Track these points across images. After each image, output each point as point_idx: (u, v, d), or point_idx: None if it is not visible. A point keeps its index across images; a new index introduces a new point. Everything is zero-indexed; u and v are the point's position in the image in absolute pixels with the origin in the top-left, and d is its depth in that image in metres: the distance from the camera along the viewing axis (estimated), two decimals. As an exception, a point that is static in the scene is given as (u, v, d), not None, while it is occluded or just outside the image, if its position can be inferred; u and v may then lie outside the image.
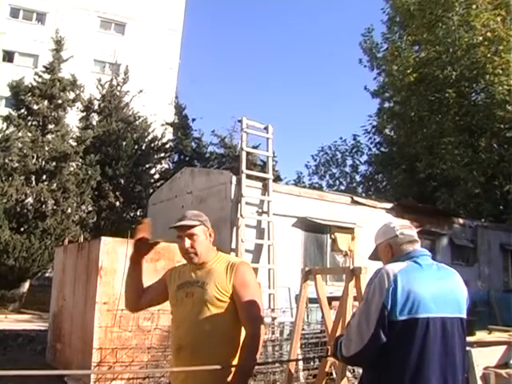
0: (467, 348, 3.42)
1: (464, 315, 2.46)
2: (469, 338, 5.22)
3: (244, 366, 2.63)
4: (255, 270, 8.68)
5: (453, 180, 17.28)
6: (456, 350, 2.35)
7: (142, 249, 3.04)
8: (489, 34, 16.74)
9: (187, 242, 2.82)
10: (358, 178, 23.99)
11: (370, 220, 10.66)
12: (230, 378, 2.64)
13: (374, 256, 2.79)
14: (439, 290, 2.38)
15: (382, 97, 21.90)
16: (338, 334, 4.03)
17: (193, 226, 2.83)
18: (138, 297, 3.04)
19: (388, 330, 2.25)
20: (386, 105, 21.92)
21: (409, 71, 18.60)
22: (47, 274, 19.92)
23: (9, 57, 33.82)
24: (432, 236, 12.74)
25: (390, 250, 2.62)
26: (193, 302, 2.73)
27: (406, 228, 2.67)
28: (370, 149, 23.33)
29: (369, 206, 11.46)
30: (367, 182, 23.44)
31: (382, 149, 22.64)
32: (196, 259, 2.82)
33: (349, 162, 24.12)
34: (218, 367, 2.60)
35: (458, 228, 13.55)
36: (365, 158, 23.70)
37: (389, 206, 11.96)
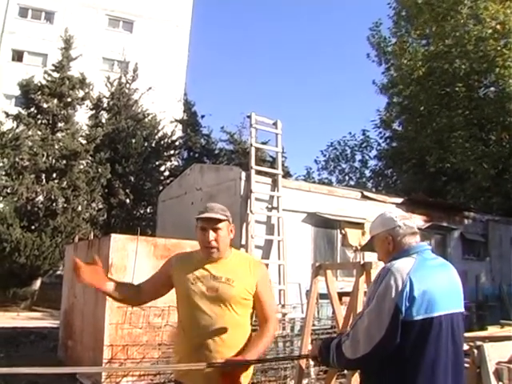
0: (479, 343, 3.40)
1: (463, 309, 2.42)
2: (480, 333, 5.20)
3: (252, 355, 2.63)
4: (265, 266, 8.68)
5: (463, 174, 17.19)
6: (460, 346, 2.33)
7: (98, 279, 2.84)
8: (498, 27, 16.59)
9: (211, 235, 2.75)
10: (367, 173, 23.97)
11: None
12: (250, 372, 2.70)
13: (369, 247, 2.66)
14: (447, 285, 2.33)
15: (390, 91, 21.79)
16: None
17: (220, 220, 2.78)
18: (132, 296, 2.97)
19: (404, 331, 2.17)
20: (395, 99, 21.81)
21: (418, 65, 18.49)
22: (58, 272, 20.03)
23: (18, 56, 33.97)
24: (443, 230, 12.69)
25: (391, 242, 2.46)
26: (216, 296, 2.70)
27: (406, 219, 2.52)
28: (379, 144, 23.28)
29: (379, 200, 11.42)
30: (377, 176, 23.38)
31: (392, 143, 22.55)
32: (216, 254, 2.78)
33: (358, 157, 24.11)
34: (220, 361, 2.60)
35: (469, 222, 13.48)
36: (374, 152, 23.66)
37: (399, 200, 11.91)
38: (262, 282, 2.79)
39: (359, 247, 10.49)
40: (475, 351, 3.22)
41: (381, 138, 22.87)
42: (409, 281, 2.18)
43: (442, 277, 2.34)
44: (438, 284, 2.26)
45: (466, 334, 5.04)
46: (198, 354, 2.66)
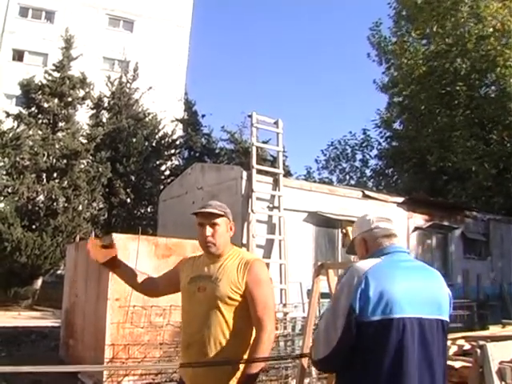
0: (481, 342, 3.38)
1: (445, 317, 2.24)
2: (482, 332, 5.19)
3: (255, 362, 2.62)
4: (266, 265, 8.67)
5: (464, 173, 17.17)
6: (435, 355, 2.15)
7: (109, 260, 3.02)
8: (499, 25, 16.58)
9: (208, 231, 2.76)
10: (368, 172, 23.93)
11: (381, 214, 10.62)
12: (238, 375, 2.64)
13: (351, 250, 2.61)
14: (415, 289, 2.17)
15: (391, 91, 21.79)
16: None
17: (217, 216, 2.79)
18: (149, 285, 3.06)
19: (359, 331, 2.06)
20: (396, 99, 21.80)
21: (418, 64, 18.48)
22: (59, 271, 20.06)
23: (18, 56, 33.99)
24: (444, 230, 12.68)
25: (364, 244, 2.43)
26: (204, 297, 2.71)
27: (382, 221, 2.47)
28: (380, 143, 23.24)
29: (380, 200, 11.41)
30: (377, 176, 23.35)
31: (393, 143, 22.54)
32: (214, 249, 2.78)
33: (359, 156, 24.07)
34: (227, 363, 2.61)
35: (470, 221, 13.47)
36: (375, 152, 23.61)
37: (400, 200, 11.90)
38: (252, 280, 2.71)
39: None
40: (478, 351, 3.21)
41: (381, 137, 22.87)
42: (364, 280, 2.10)
43: (412, 280, 2.20)
44: (403, 286, 2.13)
45: (469, 334, 5.04)
46: (188, 352, 2.74)
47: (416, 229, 12.03)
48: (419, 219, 12.14)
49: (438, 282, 2.33)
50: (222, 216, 2.80)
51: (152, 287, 3.06)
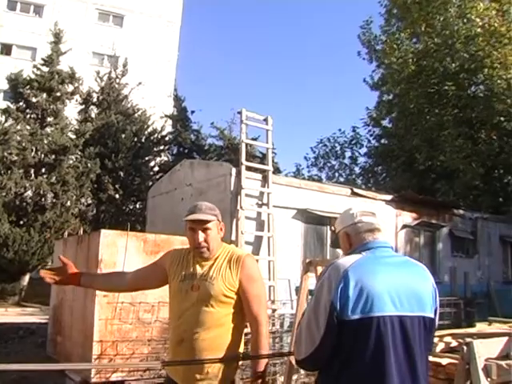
0: (468, 339, 3.41)
1: (428, 313, 2.19)
2: (469, 330, 5.23)
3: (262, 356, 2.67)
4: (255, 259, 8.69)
5: (452, 172, 17.29)
6: (417, 353, 2.10)
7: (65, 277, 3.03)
8: (486, 26, 16.67)
9: (201, 236, 2.74)
10: (357, 170, 24.03)
11: (365, 208, 10.65)
12: (232, 371, 2.69)
13: (336, 244, 2.57)
14: (397, 285, 2.12)
15: (381, 89, 21.88)
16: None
17: (209, 221, 2.77)
18: (117, 284, 3.08)
19: (340, 330, 2.03)
20: (385, 97, 21.89)
21: (407, 63, 18.56)
22: (47, 267, 19.94)
23: (6, 50, 33.71)
24: (432, 228, 12.77)
25: (347, 239, 2.37)
26: (198, 295, 2.71)
27: (366, 215, 2.42)
28: (369, 141, 23.36)
29: (369, 197, 11.47)
30: (366, 174, 23.45)
31: (382, 141, 22.64)
32: (207, 254, 2.77)
33: (348, 154, 24.16)
34: (225, 360, 2.66)
35: (458, 220, 13.58)
36: (364, 150, 23.73)
37: (388, 197, 11.96)
38: (246, 277, 2.73)
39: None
40: (464, 348, 3.23)
41: (371, 135, 22.97)
42: (344, 277, 2.06)
43: (395, 276, 2.15)
44: (385, 283, 2.09)
45: (456, 331, 5.08)
46: (179, 349, 2.73)
47: (404, 226, 12.11)
48: (407, 217, 12.21)
49: (423, 277, 2.28)
50: (213, 220, 2.79)
51: (126, 281, 3.02)
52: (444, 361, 3.96)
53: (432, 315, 2.22)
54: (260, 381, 2.65)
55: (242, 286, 2.72)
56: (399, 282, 2.14)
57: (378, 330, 2.03)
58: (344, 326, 2.03)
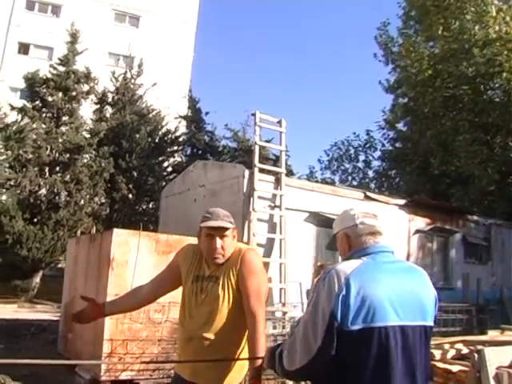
0: (479, 347, 3.38)
1: (429, 322, 2.13)
2: (481, 337, 5.18)
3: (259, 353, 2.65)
4: (266, 264, 8.67)
5: (467, 177, 17.15)
6: (418, 364, 2.03)
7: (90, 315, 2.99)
8: (502, 32, 16.51)
9: (218, 243, 2.77)
10: (370, 173, 23.93)
11: (382, 216, 10.59)
12: (237, 370, 2.72)
13: (332, 246, 2.46)
14: (399, 293, 2.03)
15: (396, 92, 21.77)
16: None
17: (228, 229, 2.80)
18: (132, 303, 3.12)
19: (340, 340, 1.93)
20: (401, 100, 21.78)
21: (424, 67, 18.45)
22: (60, 265, 20.10)
23: (24, 49, 34.01)
24: (445, 233, 12.67)
25: (347, 241, 2.25)
26: (207, 297, 2.75)
27: (368, 217, 2.29)
28: (383, 144, 23.25)
29: (381, 201, 11.40)
30: (380, 177, 23.35)
31: (396, 145, 22.53)
32: (221, 260, 2.80)
33: (362, 157, 24.06)
34: (229, 359, 2.68)
35: (472, 226, 13.46)
36: (378, 153, 23.61)
37: (402, 202, 11.89)
38: (245, 270, 2.75)
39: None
40: (475, 355, 3.21)
41: (385, 138, 22.87)
42: (345, 285, 1.95)
43: (397, 283, 2.06)
44: (386, 290, 2.00)
45: (467, 338, 5.04)
46: (188, 347, 2.78)
47: (417, 231, 12.03)
48: (420, 222, 12.13)
49: (425, 284, 2.20)
50: (230, 228, 2.82)
51: (145, 294, 3.04)
52: (455, 368, 3.94)
53: (432, 323, 2.17)
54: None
55: (241, 280, 2.73)
56: (401, 290, 2.06)
57: (380, 341, 1.94)
58: (343, 337, 1.94)
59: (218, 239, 2.77)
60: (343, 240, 2.27)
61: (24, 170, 18.94)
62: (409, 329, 2.01)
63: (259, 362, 2.62)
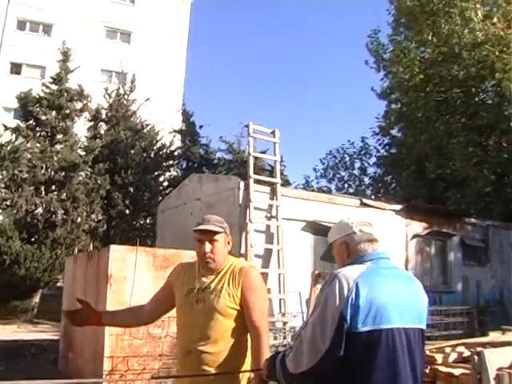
0: (479, 349, 3.37)
1: (424, 326, 2.20)
2: (481, 339, 5.18)
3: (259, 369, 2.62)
4: (265, 274, 8.66)
5: (463, 180, 17.19)
6: (417, 366, 2.10)
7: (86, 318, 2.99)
8: (490, 33, 16.62)
9: (207, 247, 2.78)
10: (366, 180, 23.97)
11: (379, 222, 10.60)
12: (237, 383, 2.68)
13: (328, 256, 2.48)
14: (401, 298, 2.11)
15: (388, 98, 21.85)
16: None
17: (216, 233, 2.80)
18: (137, 318, 3.11)
19: (349, 342, 1.97)
20: (394, 106, 21.86)
21: (415, 72, 18.53)
22: (59, 284, 19.98)
23: (16, 69, 34.04)
24: (443, 237, 12.69)
25: (345, 249, 2.28)
26: (203, 308, 2.73)
27: (365, 225, 2.33)
28: (378, 151, 23.28)
29: (378, 208, 11.42)
30: (376, 184, 23.38)
31: (391, 150, 22.58)
32: (213, 265, 2.80)
33: (357, 164, 24.10)
34: (229, 373, 2.65)
35: (469, 228, 13.47)
36: (373, 160, 23.66)
37: (398, 207, 11.91)
38: (248, 287, 2.75)
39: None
40: (475, 357, 3.20)
41: (380, 144, 22.92)
42: (355, 287, 2.00)
43: (397, 288, 2.13)
44: (390, 295, 2.07)
45: (468, 341, 5.02)
46: (186, 361, 2.77)
47: (415, 236, 12.04)
48: (418, 226, 12.14)
49: (419, 290, 2.27)
50: (220, 232, 2.82)
51: (145, 313, 3.06)
52: (457, 371, 3.92)
53: (425, 327, 2.23)
54: None
55: (244, 296, 2.73)
56: (401, 295, 2.12)
57: (387, 342, 2.00)
58: (352, 338, 1.97)
59: (207, 243, 2.78)
60: (342, 248, 2.30)
61: (20, 189, 18.89)
62: (410, 331, 2.08)
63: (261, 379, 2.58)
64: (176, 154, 25.01)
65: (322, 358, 1.99)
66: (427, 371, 4.46)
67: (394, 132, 22.37)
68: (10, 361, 9.80)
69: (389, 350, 2.00)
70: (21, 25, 34.56)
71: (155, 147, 23.96)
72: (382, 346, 1.99)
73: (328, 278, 2.13)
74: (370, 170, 23.84)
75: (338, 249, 2.33)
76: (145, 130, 23.93)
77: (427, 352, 4.66)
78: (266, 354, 2.64)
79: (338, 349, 1.98)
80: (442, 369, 4.39)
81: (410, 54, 19.27)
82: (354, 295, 1.99)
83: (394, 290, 2.11)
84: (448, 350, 4.75)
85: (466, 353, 4.55)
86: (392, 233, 10.99)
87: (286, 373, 2.12)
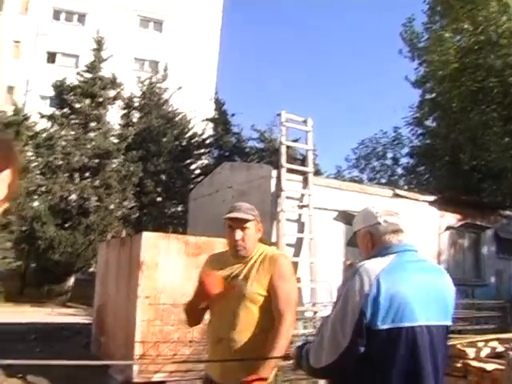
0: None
1: (449, 322, 2.13)
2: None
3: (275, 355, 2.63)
4: (296, 263, 8.65)
5: (499, 171, 16.86)
6: (440, 364, 2.04)
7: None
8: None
9: (238, 235, 2.78)
10: (399, 170, 23.72)
11: (411, 213, 10.49)
12: (268, 372, 2.66)
13: (353, 243, 2.41)
14: (426, 293, 2.04)
15: (423, 87, 21.53)
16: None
17: (247, 220, 2.81)
18: (199, 319, 3.06)
19: (369, 339, 1.94)
20: (428, 96, 21.53)
21: (450, 61, 18.20)
22: (91, 269, 20.34)
23: (52, 58, 34.58)
24: (476, 229, 12.47)
25: (369, 239, 2.22)
26: (233, 295, 2.74)
27: (390, 215, 2.24)
28: (411, 141, 23.01)
29: (411, 198, 11.27)
30: (409, 174, 23.14)
31: (425, 140, 22.27)
32: (243, 252, 2.81)
33: (390, 154, 23.87)
34: (257, 358, 2.64)
35: (504, 221, 13.21)
36: (406, 150, 23.39)
37: (431, 198, 11.74)
38: (277, 275, 2.74)
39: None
40: (510, 353, 3.13)
41: (413, 134, 22.64)
42: (376, 283, 1.95)
43: (422, 283, 2.06)
44: (414, 291, 2.00)
45: (502, 336, 4.94)
46: (217, 349, 2.79)
47: (448, 228, 11.86)
48: (451, 218, 11.96)
49: (447, 284, 2.19)
50: (251, 220, 2.83)
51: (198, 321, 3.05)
52: (489, 366, 3.87)
53: (451, 323, 2.16)
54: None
55: (273, 283, 2.73)
56: (427, 290, 2.06)
57: (408, 340, 1.95)
58: (372, 335, 1.94)
59: (238, 231, 2.79)
60: (366, 238, 2.25)
61: (54, 176, 19.25)
62: (433, 328, 2.02)
63: (272, 365, 2.61)
64: (208, 142, 25.12)
65: (342, 354, 1.96)
66: (458, 365, 4.41)
67: (427, 122, 22.06)
68: (45, 343, 10.02)
69: (409, 348, 1.95)
70: (56, 14, 35.08)
71: (187, 135, 24.11)
72: (402, 344, 1.95)
73: (349, 272, 2.09)
74: (403, 161, 23.62)
75: (363, 239, 2.28)
76: (177, 119, 24.09)
77: (458, 346, 4.60)
78: (284, 343, 2.64)
79: (358, 345, 1.95)
80: (474, 363, 4.32)
81: (446, 43, 18.92)
82: (374, 291, 1.94)
83: (419, 284, 2.04)
84: (480, 344, 4.68)
85: (500, 348, 4.47)
86: (425, 224, 10.86)
87: (309, 366, 2.12)
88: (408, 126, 22.45)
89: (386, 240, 2.17)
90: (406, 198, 11.22)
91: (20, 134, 18.27)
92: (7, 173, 1.11)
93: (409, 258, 2.11)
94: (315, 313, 8.67)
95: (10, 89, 32.23)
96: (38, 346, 9.71)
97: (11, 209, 16.63)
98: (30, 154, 19.29)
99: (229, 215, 2.83)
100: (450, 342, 2.11)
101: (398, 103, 49.30)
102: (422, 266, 2.14)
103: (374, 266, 2.02)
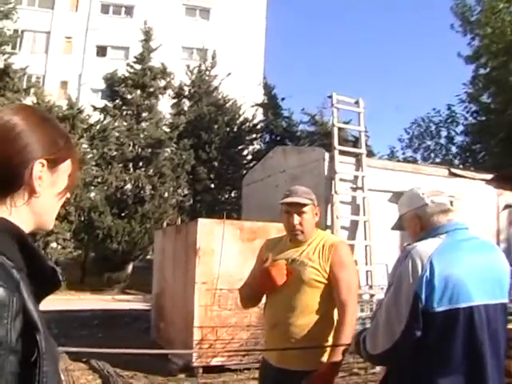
0: None
1: (507, 299, 2.05)
2: None
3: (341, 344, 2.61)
4: (351, 246, 8.57)
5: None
6: (501, 343, 1.99)
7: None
8: None
9: (296, 219, 2.76)
10: (454, 149, 23.10)
11: (468, 192, 10.21)
12: (322, 357, 2.68)
13: (398, 226, 2.38)
14: (481, 272, 1.97)
15: (476, 63, 20.84)
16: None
17: (305, 205, 2.78)
18: (257, 303, 3.08)
19: (425, 322, 1.89)
20: (482, 71, 20.83)
21: (506, 33, 17.53)
22: (148, 256, 20.76)
23: (102, 51, 35.27)
24: (536, 208, 12.04)
25: (418, 222, 2.16)
26: (290, 280, 2.72)
27: (436, 195, 2.17)
28: (465, 118, 22.34)
29: (467, 177, 10.97)
30: (464, 153, 22.50)
31: (479, 118, 21.59)
32: (301, 237, 2.79)
33: (444, 133, 23.26)
34: (315, 347, 2.66)
35: None
36: (460, 128, 22.73)
37: (488, 176, 11.39)
38: (337, 263, 2.71)
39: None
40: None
41: (467, 112, 21.98)
42: (429, 265, 1.89)
43: (476, 261, 2.00)
44: (468, 270, 1.94)
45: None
46: (273, 332, 2.80)
47: (507, 207, 11.49)
48: (510, 196, 11.58)
49: (501, 261, 2.11)
50: (308, 204, 2.80)
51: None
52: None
53: (508, 300, 2.09)
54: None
55: (333, 271, 2.70)
56: (481, 268, 2.00)
57: (466, 321, 1.90)
58: (428, 318, 1.90)
59: (295, 216, 2.76)
60: (413, 221, 2.20)
61: (109, 166, 19.69)
62: (491, 307, 1.97)
63: (338, 354, 2.59)
64: (259, 127, 25.14)
65: (397, 340, 1.93)
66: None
67: (482, 98, 21.37)
68: (107, 329, 10.33)
69: (468, 330, 1.90)
70: (104, 8, 35.73)
71: (238, 121, 24.19)
72: (460, 325, 1.90)
73: (401, 255, 2.05)
74: (458, 139, 22.95)
75: (410, 222, 2.23)
76: (227, 105, 24.18)
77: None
78: (348, 330, 2.61)
79: (414, 330, 1.91)
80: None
81: (500, 14, 18.22)
82: (428, 273, 1.90)
83: (473, 263, 1.99)
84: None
85: None
86: (482, 203, 10.56)
87: (366, 352, 2.10)
88: (461, 103, 21.81)
89: (435, 221, 2.12)
90: (463, 176, 10.92)
91: (75, 127, 18.73)
92: (68, 163, 1.13)
93: (460, 236, 2.07)
94: (372, 296, 8.59)
95: (64, 84, 33.08)
96: (100, 332, 10.01)
97: (70, 200, 17.11)
98: (85, 146, 19.75)
99: (285, 200, 2.80)
100: (509, 326, 2.03)
101: (450, 79, 47.83)
102: (474, 244, 2.10)
103: (425, 248, 1.98)
